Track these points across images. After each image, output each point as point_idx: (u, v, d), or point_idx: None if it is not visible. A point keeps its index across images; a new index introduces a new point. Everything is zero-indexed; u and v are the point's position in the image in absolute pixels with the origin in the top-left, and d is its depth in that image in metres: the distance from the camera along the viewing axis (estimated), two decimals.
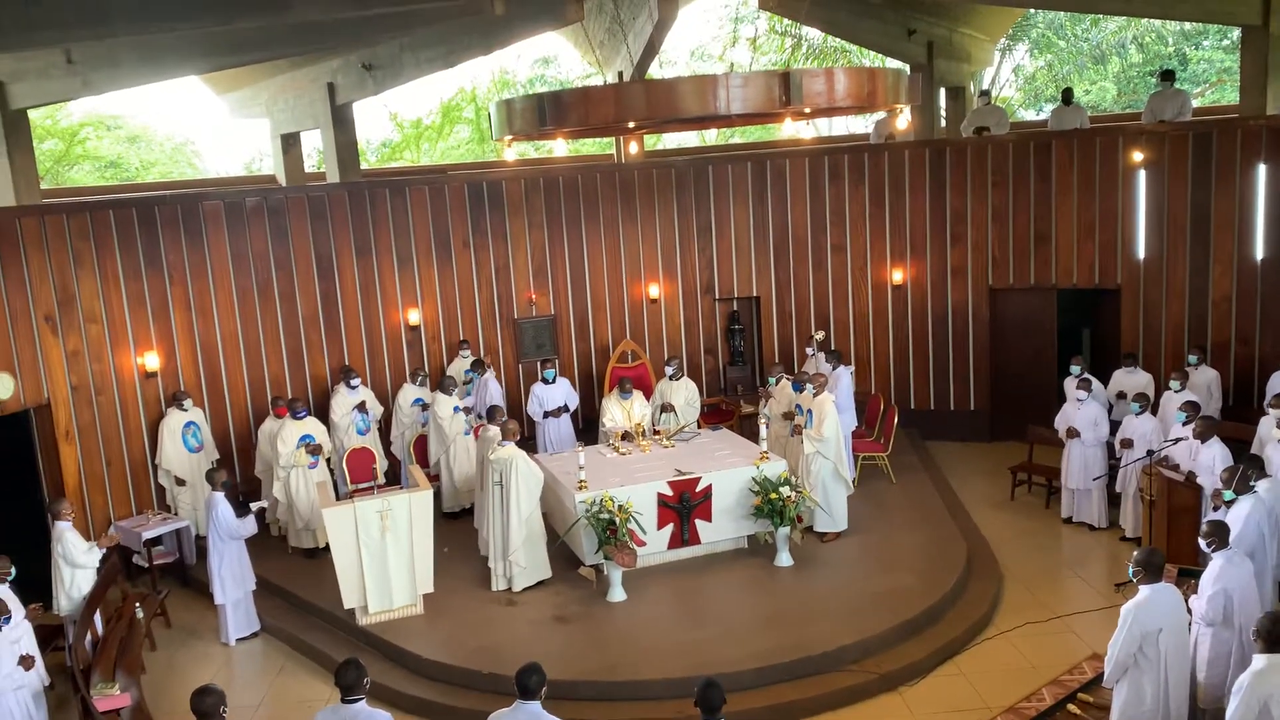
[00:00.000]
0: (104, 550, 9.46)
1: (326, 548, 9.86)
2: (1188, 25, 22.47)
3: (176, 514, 11.83)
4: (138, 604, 9.68)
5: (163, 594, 10.51)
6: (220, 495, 9.68)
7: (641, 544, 9.78)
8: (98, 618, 9.07)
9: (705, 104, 8.35)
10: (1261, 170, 12.24)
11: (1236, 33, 18.11)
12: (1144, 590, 6.65)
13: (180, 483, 11.91)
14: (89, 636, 8.83)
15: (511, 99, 9.19)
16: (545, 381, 12.98)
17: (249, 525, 9.86)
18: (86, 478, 11.46)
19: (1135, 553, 6.81)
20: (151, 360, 12.07)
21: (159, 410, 12.11)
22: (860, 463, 12.40)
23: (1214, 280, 12.68)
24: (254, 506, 10.21)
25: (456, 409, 12.03)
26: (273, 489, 11.50)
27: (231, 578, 9.79)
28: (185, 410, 11.99)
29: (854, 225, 14.39)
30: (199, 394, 12.53)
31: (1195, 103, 14.53)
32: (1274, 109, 12.73)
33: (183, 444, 11.92)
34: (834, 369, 12.34)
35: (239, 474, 12.70)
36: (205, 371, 12.66)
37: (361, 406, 12.36)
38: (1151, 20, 22.01)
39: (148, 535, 11.05)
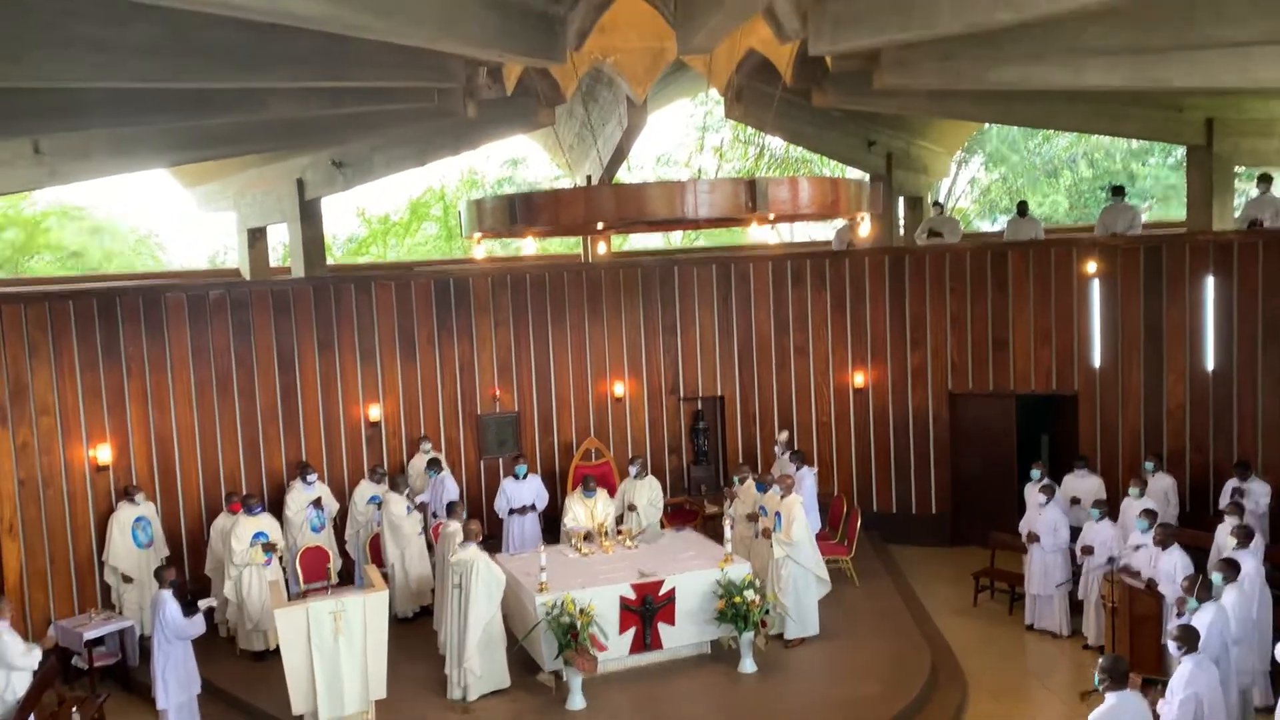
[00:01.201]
0: (43, 652, 9.07)
1: (276, 650, 9.54)
2: (1135, 143, 23.39)
3: (121, 613, 11.42)
4: (75, 709, 9.22)
5: (102, 698, 10.05)
6: (168, 593, 9.36)
7: (603, 649, 9.57)
8: None
9: (673, 208, 8.49)
10: (1209, 283, 12.60)
11: (1181, 151, 18.85)
12: (1110, 698, 6.63)
13: (127, 580, 11.54)
14: None
15: (483, 198, 9.31)
16: (516, 478, 12.86)
17: (196, 625, 9.51)
18: (28, 575, 11.07)
19: (1100, 660, 6.81)
20: (104, 453, 11.81)
21: (109, 505, 11.80)
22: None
23: (1168, 389, 12.92)
24: (202, 605, 9.87)
25: (409, 509, 11.82)
26: (223, 588, 11.16)
27: (176, 680, 9.40)
28: (136, 504, 11.70)
29: (816, 329, 14.58)
30: (151, 488, 12.24)
31: (1144, 217, 15.02)
32: (1219, 225, 13.18)
33: (132, 539, 11.58)
34: (797, 470, 12.35)
35: (189, 572, 12.33)
36: (159, 465, 12.40)
37: (317, 503, 12.13)
38: (1101, 137, 22.88)
39: (89, 635, 10.64)
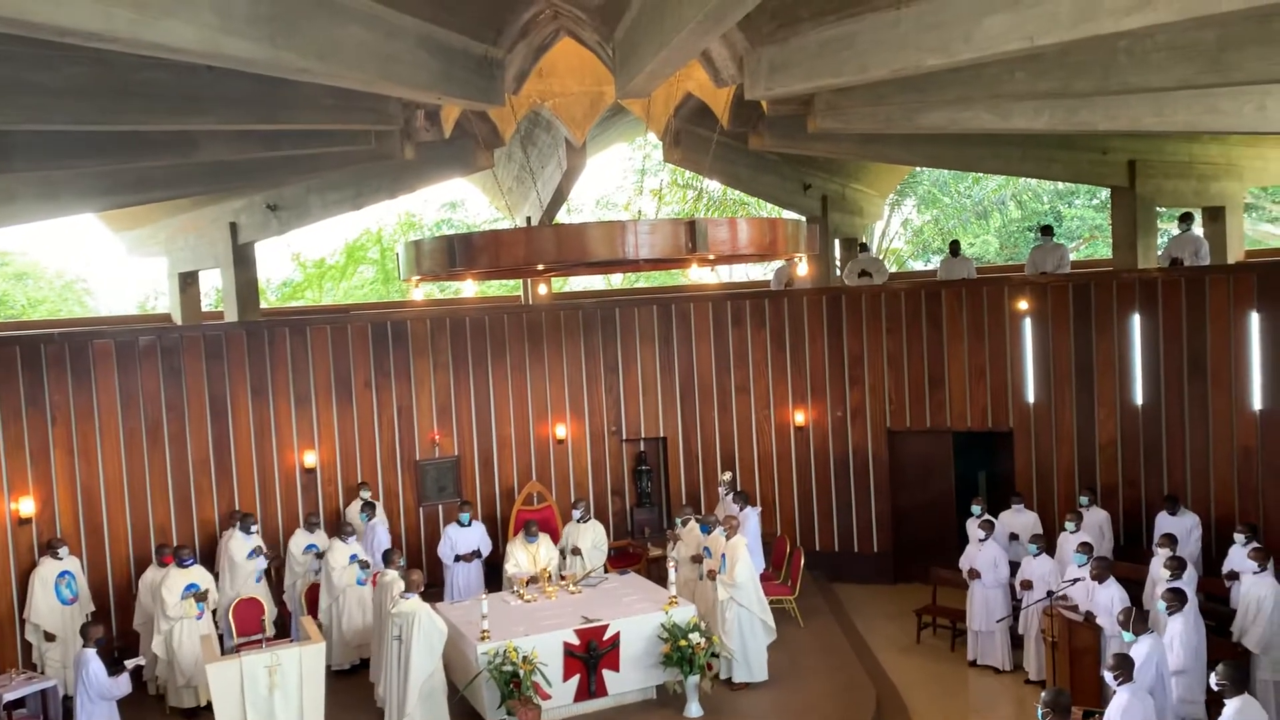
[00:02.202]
0: None
1: (208, 706, 9.24)
2: (1062, 185, 24.09)
3: (43, 672, 10.95)
4: None
5: None
6: (92, 652, 9.06)
7: (546, 697, 9.42)
8: None
9: (614, 249, 8.51)
10: (1135, 320, 12.93)
11: (1106, 192, 19.45)
12: None
13: (50, 638, 11.08)
14: None
15: (421, 239, 9.25)
16: (460, 524, 12.70)
17: (122, 684, 9.20)
18: None
19: (1043, 694, 6.87)
20: (26, 506, 11.40)
21: (31, 560, 11.37)
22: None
23: (1099, 423, 13.19)
24: (129, 664, 9.55)
25: (353, 558, 11.56)
26: (152, 643, 10.77)
27: None
28: (60, 559, 11.27)
29: (757, 367, 14.67)
30: (77, 541, 11.83)
31: (1071, 256, 15.45)
32: (1144, 263, 13.58)
33: (55, 595, 11.14)
34: (741, 510, 12.34)
35: (116, 627, 11.91)
36: (85, 518, 11.99)
37: (259, 551, 11.82)
38: (1029, 180, 23.53)
39: (10, 696, 10.15)
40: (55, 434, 11.76)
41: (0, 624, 11.14)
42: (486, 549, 12.81)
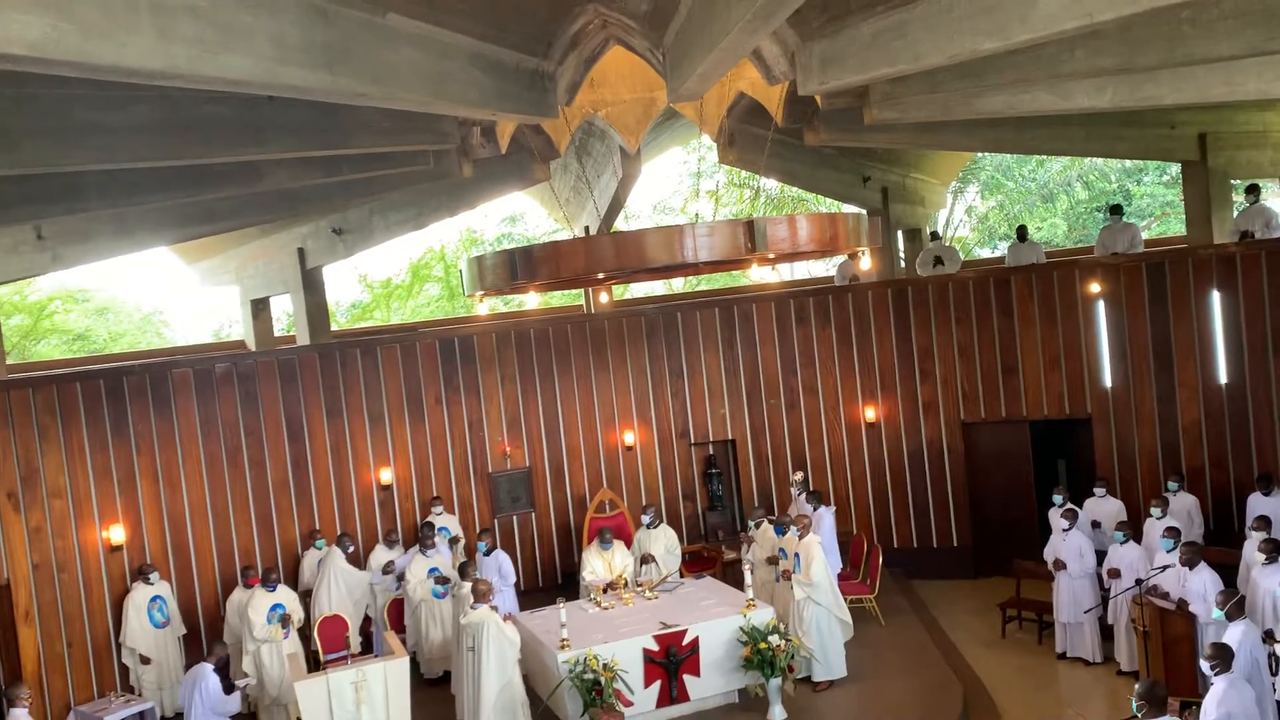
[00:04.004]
0: None
1: None
2: (1129, 162, 23.49)
3: (140, 694, 11.29)
4: None
5: None
6: (210, 668, 9.44)
7: (629, 704, 9.40)
8: None
9: (673, 253, 8.49)
10: (1215, 297, 12.56)
11: (1176, 168, 18.93)
12: None
13: (145, 661, 11.42)
14: None
15: (483, 255, 9.33)
16: (482, 554, 11.97)
17: (234, 702, 9.57)
18: (46, 660, 10.98)
19: (1137, 686, 6.68)
20: (117, 533, 11.77)
21: (124, 586, 11.73)
22: (848, 605, 12.13)
23: (1181, 406, 12.83)
24: (240, 684, 9.96)
25: (432, 571, 11.67)
26: (243, 663, 11.02)
27: None
28: (151, 584, 11.62)
29: (823, 365, 14.53)
30: (165, 566, 12.17)
31: (1144, 235, 15.04)
32: (1220, 238, 13.18)
33: (148, 619, 11.50)
34: (815, 510, 12.23)
35: (205, 648, 12.19)
36: (172, 543, 12.33)
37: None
38: (1095, 160, 22.99)
39: (110, 719, 10.51)
40: (140, 463, 12.12)
41: (98, 649, 11.51)
42: (510, 578, 11.97)
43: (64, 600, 11.25)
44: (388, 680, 9.08)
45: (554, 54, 10.52)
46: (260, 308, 16.19)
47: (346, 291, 26.84)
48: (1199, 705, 7.21)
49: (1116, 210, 14.53)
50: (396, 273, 26.88)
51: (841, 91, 10.74)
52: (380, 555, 12.45)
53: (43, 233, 11.54)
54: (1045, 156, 22.83)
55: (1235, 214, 13.99)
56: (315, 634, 11.23)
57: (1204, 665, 7.22)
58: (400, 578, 11.89)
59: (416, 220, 14.56)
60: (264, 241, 15.26)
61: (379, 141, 10.50)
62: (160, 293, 31.29)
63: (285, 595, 11.08)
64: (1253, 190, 13.53)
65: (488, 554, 11.90)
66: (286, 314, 19.96)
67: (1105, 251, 13.83)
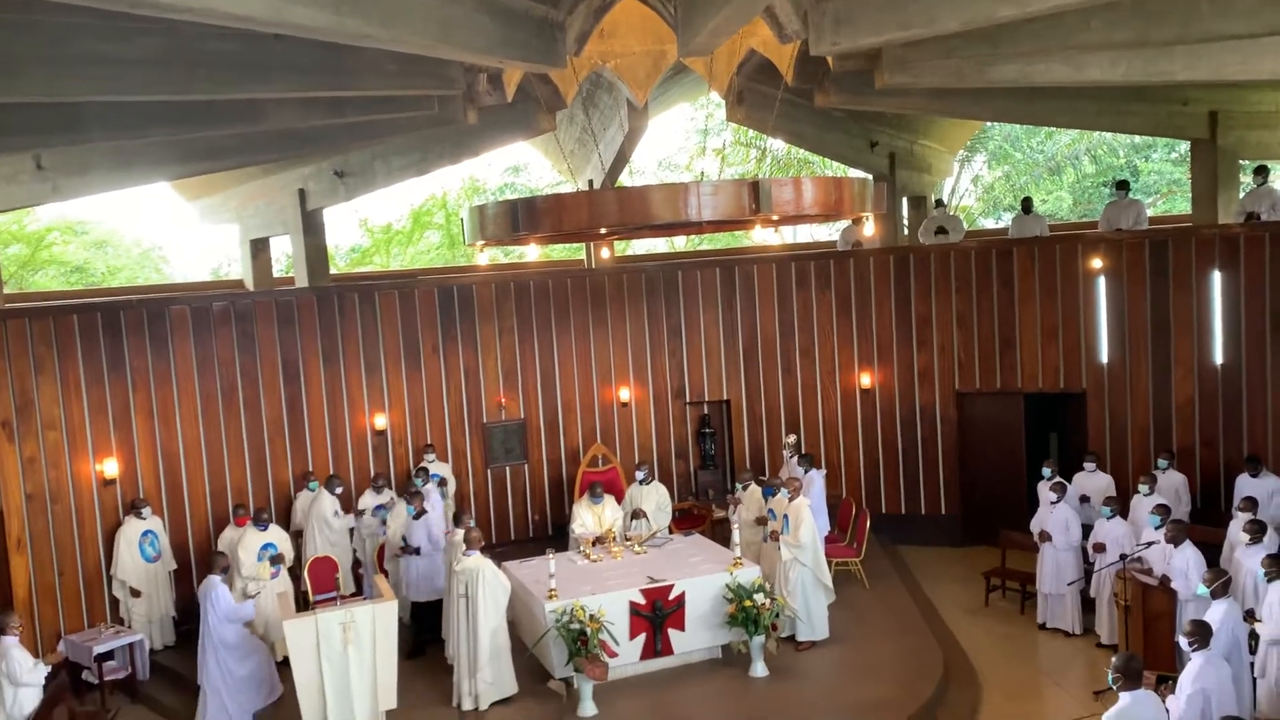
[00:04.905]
0: (52, 667, 9.06)
1: (285, 661, 9.51)
2: (1138, 138, 23.34)
3: (130, 627, 11.40)
4: None
5: (112, 712, 10.05)
6: (219, 578, 9.68)
7: (614, 655, 9.52)
8: None
9: (677, 211, 8.44)
10: (1216, 277, 12.54)
11: (1185, 145, 18.81)
12: (1124, 697, 6.58)
13: (135, 594, 11.52)
14: None
15: (485, 205, 9.27)
16: (411, 517, 11.16)
17: (248, 609, 9.88)
18: (37, 589, 11.06)
19: (1114, 659, 6.76)
20: (110, 467, 11.80)
21: (116, 519, 11.79)
22: (833, 568, 12.23)
23: (1176, 384, 12.86)
24: (251, 592, 10.35)
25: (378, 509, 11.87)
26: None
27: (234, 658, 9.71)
28: (143, 519, 11.68)
29: (822, 329, 14.53)
30: (158, 502, 12.22)
31: (1149, 212, 14.99)
32: (1225, 218, 13.13)
33: (139, 553, 11.57)
34: (806, 473, 12.29)
35: (196, 584, 12.33)
36: (165, 479, 12.38)
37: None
38: (1103, 134, 22.84)
39: (99, 649, 10.61)
40: (136, 398, 12.12)
41: (89, 580, 11.60)
42: (439, 545, 11.17)
43: (56, 531, 11.31)
44: (375, 623, 9.16)
45: (564, 2, 10.39)
46: (259, 248, 16.12)
47: (346, 235, 26.75)
48: (1175, 680, 7.31)
49: (1123, 186, 14.46)
50: (397, 218, 26.76)
51: (853, 53, 10.63)
52: (368, 500, 12.51)
53: (42, 163, 11.44)
54: (1054, 129, 22.65)
55: (1241, 195, 13.93)
56: (305, 574, 11.32)
57: (1182, 642, 7.31)
58: (384, 523, 11.97)
59: (419, 166, 14.46)
60: (265, 181, 15.16)
61: (384, 84, 10.40)
62: (160, 228, 31.22)
63: (276, 535, 11.17)
64: (1260, 171, 13.45)
65: (417, 518, 11.17)
66: (286, 255, 19.89)
67: (1110, 227, 13.79)
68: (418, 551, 11.09)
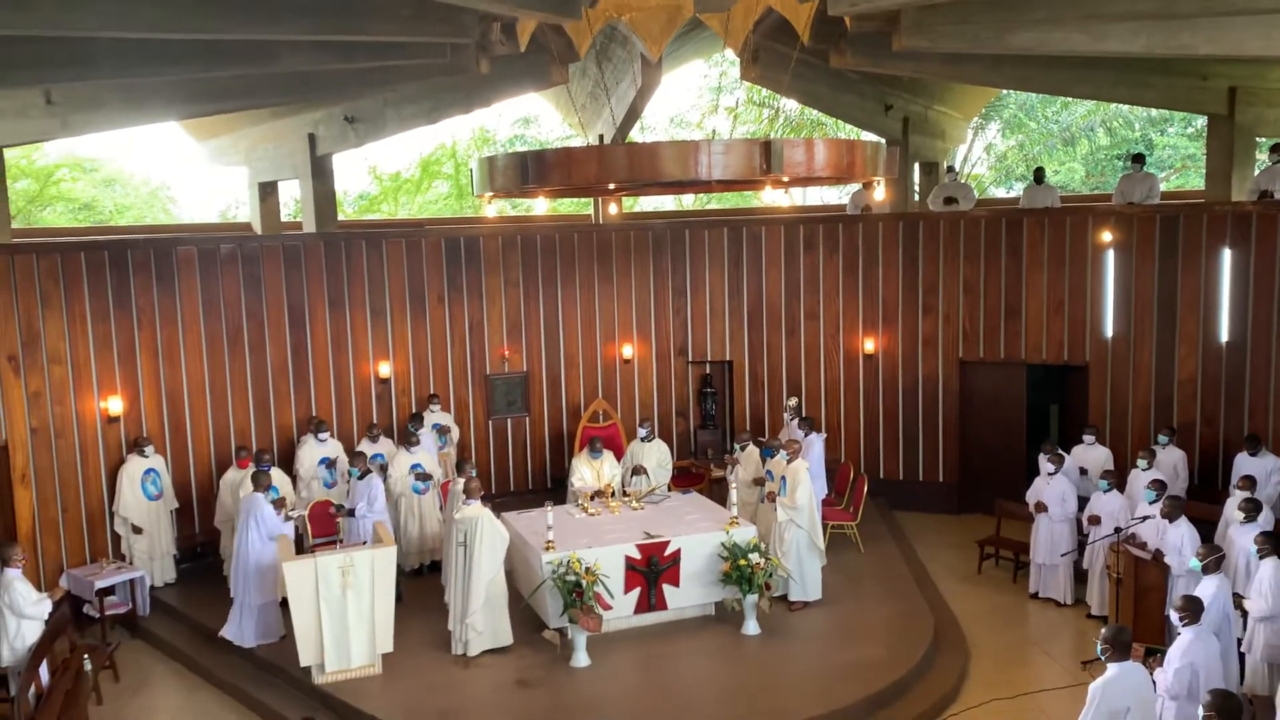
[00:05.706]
0: (54, 601, 9.19)
1: (284, 602, 9.64)
2: (1155, 112, 23.09)
3: (131, 563, 11.53)
4: (86, 656, 9.37)
5: (112, 646, 10.19)
6: (262, 496, 9.94)
7: (608, 608, 9.63)
8: (43, 669, 8.76)
9: (687, 168, 8.41)
10: (1226, 255, 12.48)
11: (1201, 121, 18.61)
12: (1112, 668, 6.65)
13: (137, 530, 11.63)
14: (33, 689, 8.52)
15: (494, 156, 9.24)
16: (356, 479, 10.90)
17: (289, 527, 10.22)
18: (41, 523, 11.18)
19: (1103, 630, 6.83)
20: (115, 405, 11.87)
21: (119, 456, 11.88)
22: (829, 531, 12.33)
23: (1179, 361, 12.84)
24: (293, 515, 10.63)
25: (414, 467, 11.78)
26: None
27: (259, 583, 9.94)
28: (146, 457, 11.77)
29: (827, 294, 14.50)
30: (161, 441, 12.31)
31: (1162, 187, 14.88)
32: (1239, 195, 13.03)
33: (142, 491, 11.67)
34: (806, 436, 12.34)
35: (198, 525, 12.48)
36: (169, 418, 12.45)
37: (332, 463, 12.18)
38: (1120, 106, 22.60)
39: (100, 584, 10.76)
40: (141, 337, 12.16)
41: (92, 515, 11.72)
42: (376, 505, 10.93)
43: (60, 466, 11.41)
44: (374, 568, 9.27)
45: None
46: (268, 191, 16.07)
47: (355, 182, 26.61)
48: (1163, 653, 7.39)
49: (1138, 159, 14.34)
50: (406, 166, 26.62)
51: (872, 15, 10.51)
52: (364, 448, 12.56)
53: (52, 98, 11.38)
54: (1070, 99, 22.40)
55: (1256, 172, 13.81)
56: (305, 517, 11.42)
57: (1173, 616, 7.38)
58: (384, 469, 12.03)
59: (430, 114, 14.36)
60: (275, 124, 15.07)
61: (397, 30, 10.31)
62: (168, 168, 31.10)
63: (278, 478, 11.24)
64: (1276, 150, 13.32)
65: (361, 478, 10.96)
66: (294, 199, 19.80)
67: (1122, 200, 13.70)
68: (352, 513, 10.89)
